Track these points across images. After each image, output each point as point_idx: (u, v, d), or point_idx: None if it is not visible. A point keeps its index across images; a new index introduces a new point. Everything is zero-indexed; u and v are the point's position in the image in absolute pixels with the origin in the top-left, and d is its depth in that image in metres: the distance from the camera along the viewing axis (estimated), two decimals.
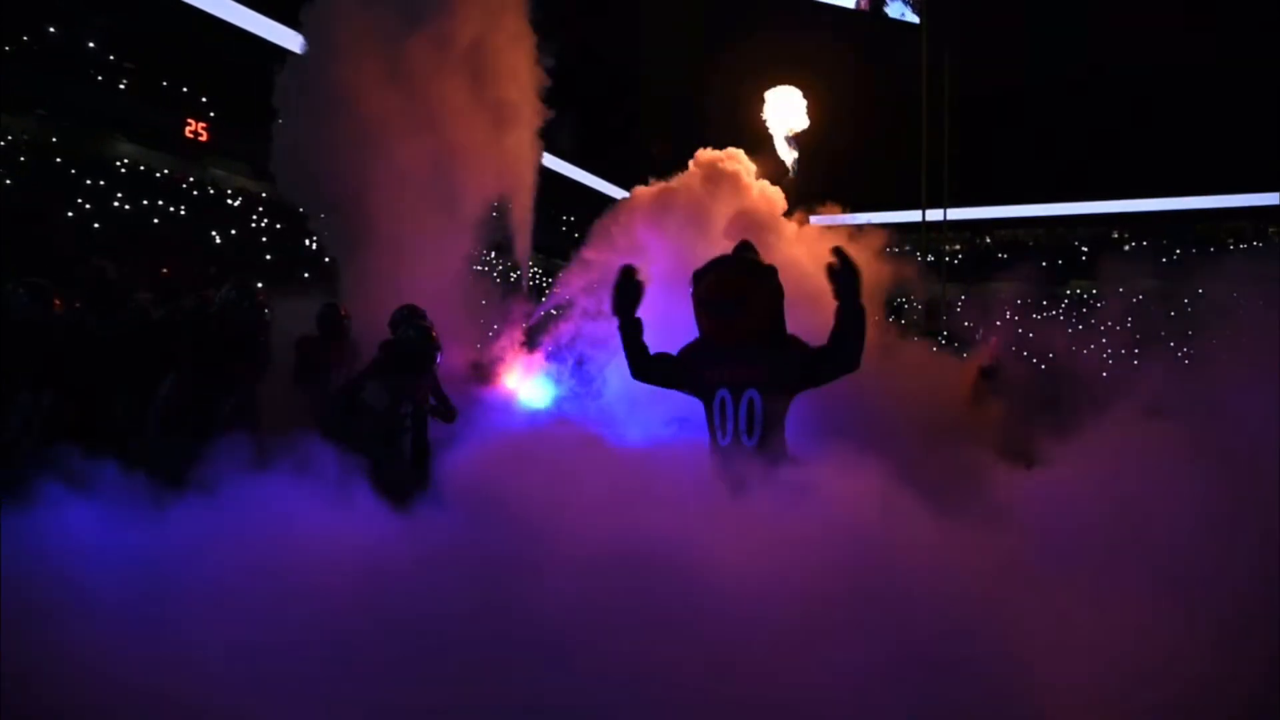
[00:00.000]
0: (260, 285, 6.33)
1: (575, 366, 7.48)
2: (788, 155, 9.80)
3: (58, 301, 4.10)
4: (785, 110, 10.32)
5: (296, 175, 7.26)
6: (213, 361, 4.70)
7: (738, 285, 3.72)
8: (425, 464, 5.48)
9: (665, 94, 24.16)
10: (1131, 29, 26.04)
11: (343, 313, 6.20)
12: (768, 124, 10.17)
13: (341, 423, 5.05)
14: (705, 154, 8.20)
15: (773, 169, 8.64)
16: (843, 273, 3.38)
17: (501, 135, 7.73)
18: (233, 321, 4.78)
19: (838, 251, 3.40)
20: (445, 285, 7.07)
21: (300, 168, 7.16)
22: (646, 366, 3.93)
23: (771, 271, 3.78)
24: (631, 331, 3.89)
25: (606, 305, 7.30)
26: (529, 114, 7.84)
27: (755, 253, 3.95)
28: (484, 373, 7.14)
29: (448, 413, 5.78)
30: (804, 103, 10.30)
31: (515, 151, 7.83)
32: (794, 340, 3.70)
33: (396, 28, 7.35)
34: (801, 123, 10.22)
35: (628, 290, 3.83)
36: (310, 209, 7.91)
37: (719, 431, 3.68)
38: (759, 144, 8.95)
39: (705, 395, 3.74)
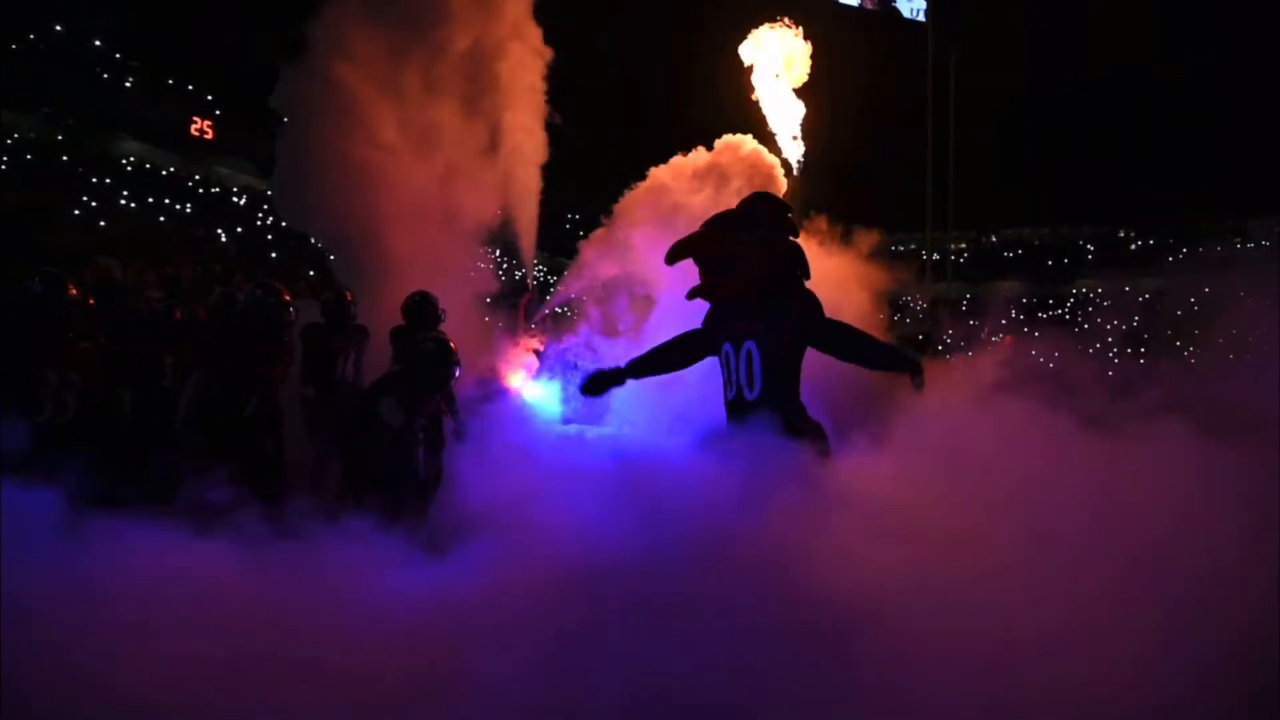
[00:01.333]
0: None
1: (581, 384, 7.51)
2: (792, 151, 9.24)
3: (73, 290, 4.12)
4: (776, 56, 8.76)
5: (299, 205, 7.22)
6: (239, 360, 4.68)
7: (724, 246, 3.72)
8: (436, 480, 5.40)
9: (665, 91, 24.10)
10: (1137, 30, 25.95)
11: (348, 299, 6.11)
12: (756, 79, 8.86)
13: (358, 438, 5.01)
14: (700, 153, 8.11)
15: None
16: (914, 377, 3.55)
17: (504, 151, 7.69)
18: (259, 320, 4.76)
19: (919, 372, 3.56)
20: (454, 308, 7.04)
21: (302, 200, 7.12)
22: (670, 360, 4.00)
23: (771, 229, 3.73)
24: (633, 374, 3.94)
25: (622, 323, 7.36)
26: (534, 129, 7.78)
27: (771, 206, 3.89)
28: (491, 390, 7.14)
29: (459, 430, 5.69)
30: (804, 46, 8.63)
31: (518, 168, 7.77)
32: (803, 294, 3.68)
33: (394, 43, 7.30)
34: (802, 71, 8.75)
35: (598, 387, 3.92)
36: (315, 236, 7.85)
37: (726, 387, 3.72)
38: (762, 143, 8.80)
39: (715, 352, 3.78)
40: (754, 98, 8.99)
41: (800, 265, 3.77)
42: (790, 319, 3.60)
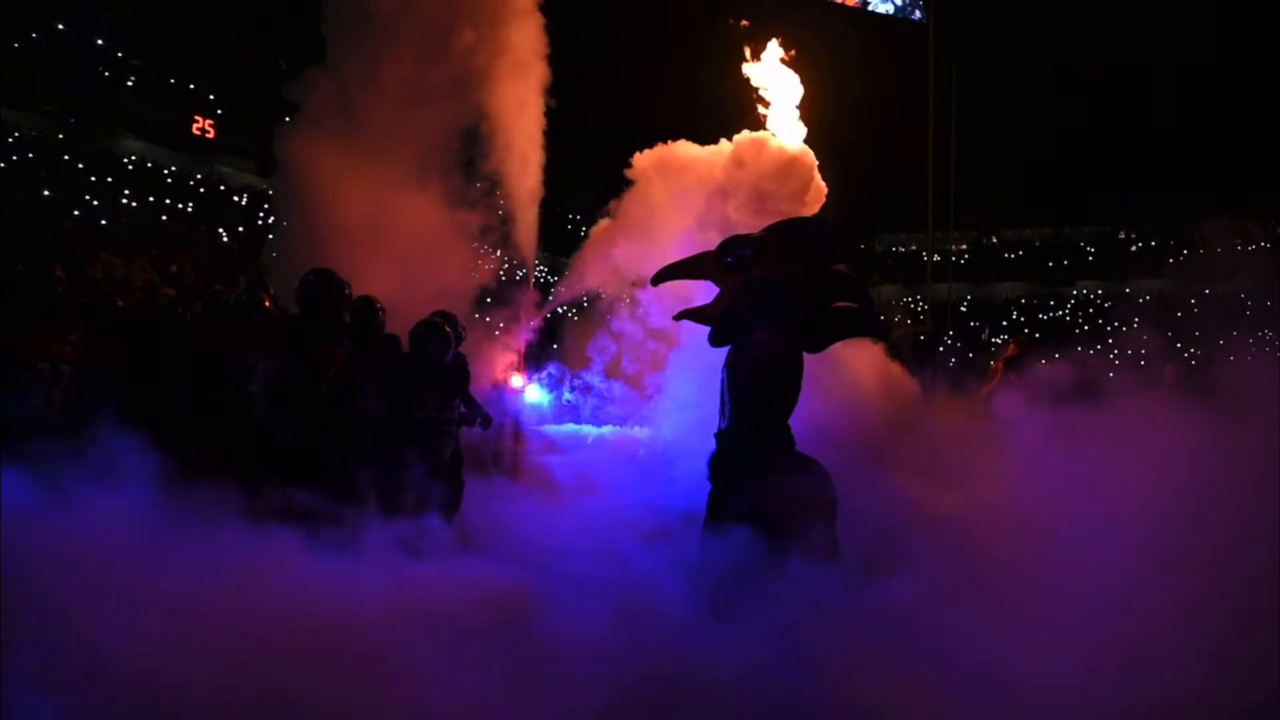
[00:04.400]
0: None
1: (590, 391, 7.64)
2: (793, 131, 8.76)
3: (59, 272, 4.15)
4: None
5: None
6: (306, 344, 4.65)
7: (703, 272, 3.71)
8: (457, 475, 5.34)
9: (658, 93, 24.01)
10: (1137, 29, 25.93)
11: (377, 305, 5.67)
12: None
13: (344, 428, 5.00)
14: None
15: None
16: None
17: (503, 150, 7.65)
18: (318, 304, 4.74)
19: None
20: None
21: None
22: None
23: (733, 276, 3.63)
24: None
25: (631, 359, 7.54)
26: (534, 130, 7.73)
27: (795, 231, 3.79)
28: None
29: (483, 419, 5.63)
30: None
31: (519, 168, 7.73)
32: (784, 332, 3.55)
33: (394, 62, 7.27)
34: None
35: None
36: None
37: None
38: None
39: None
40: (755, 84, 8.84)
41: (843, 294, 3.64)
42: (746, 362, 3.47)
